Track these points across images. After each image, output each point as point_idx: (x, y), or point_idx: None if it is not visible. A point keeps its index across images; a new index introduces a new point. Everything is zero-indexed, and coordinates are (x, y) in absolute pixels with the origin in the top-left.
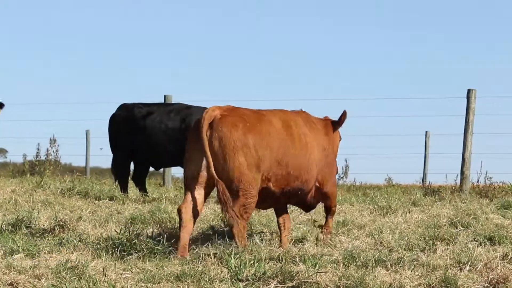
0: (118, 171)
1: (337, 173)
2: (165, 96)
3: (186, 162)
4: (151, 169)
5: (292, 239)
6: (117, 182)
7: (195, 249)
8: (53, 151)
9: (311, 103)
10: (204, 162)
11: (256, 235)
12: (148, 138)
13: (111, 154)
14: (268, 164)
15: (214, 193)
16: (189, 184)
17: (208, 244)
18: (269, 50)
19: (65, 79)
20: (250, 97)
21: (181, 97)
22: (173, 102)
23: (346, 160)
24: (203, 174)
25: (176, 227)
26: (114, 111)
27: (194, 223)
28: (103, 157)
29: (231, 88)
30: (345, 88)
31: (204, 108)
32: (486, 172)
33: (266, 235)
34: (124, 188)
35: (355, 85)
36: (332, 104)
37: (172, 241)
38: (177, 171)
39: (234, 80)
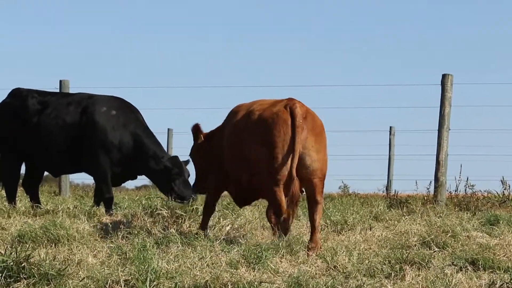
0: (5, 175)
1: None
2: (61, 81)
3: (277, 159)
4: (46, 173)
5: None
6: (2, 189)
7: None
8: None
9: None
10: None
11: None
12: (41, 136)
13: None
14: None
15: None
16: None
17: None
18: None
19: None
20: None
21: (79, 83)
22: (69, 87)
23: None
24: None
25: (75, 247)
26: (3, 98)
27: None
28: None
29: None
30: (287, 71)
31: (111, 97)
32: (467, 178)
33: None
34: (11, 197)
35: (297, 68)
36: (270, 91)
37: (67, 265)
38: (76, 177)
39: (142, 64)
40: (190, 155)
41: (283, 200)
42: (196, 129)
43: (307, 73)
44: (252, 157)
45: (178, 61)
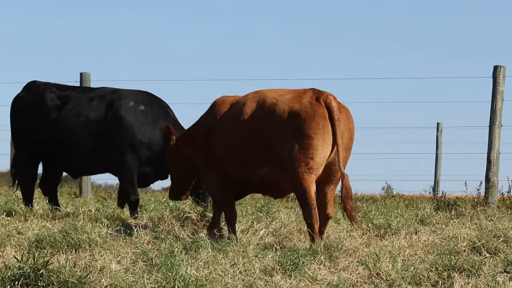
0: (21, 175)
1: None
2: (81, 74)
3: (315, 153)
4: (65, 173)
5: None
6: (15, 188)
7: None
8: None
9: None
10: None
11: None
12: (61, 134)
13: (7, 153)
14: None
15: None
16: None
17: None
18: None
19: None
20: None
21: (101, 76)
22: (91, 80)
23: None
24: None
25: (98, 252)
26: (19, 92)
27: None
28: None
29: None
30: (325, 63)
31: (138, 92)
32: None
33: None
34: (27, 199)
35: (336, 60)
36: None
37: (89, 272)
38: (98, 177)
39: (165, 56)
40: (165, 160)
41: (314, 197)
42: (167, 131)
43: (348, 65)
44: (282, 151)
45: (205, 53)
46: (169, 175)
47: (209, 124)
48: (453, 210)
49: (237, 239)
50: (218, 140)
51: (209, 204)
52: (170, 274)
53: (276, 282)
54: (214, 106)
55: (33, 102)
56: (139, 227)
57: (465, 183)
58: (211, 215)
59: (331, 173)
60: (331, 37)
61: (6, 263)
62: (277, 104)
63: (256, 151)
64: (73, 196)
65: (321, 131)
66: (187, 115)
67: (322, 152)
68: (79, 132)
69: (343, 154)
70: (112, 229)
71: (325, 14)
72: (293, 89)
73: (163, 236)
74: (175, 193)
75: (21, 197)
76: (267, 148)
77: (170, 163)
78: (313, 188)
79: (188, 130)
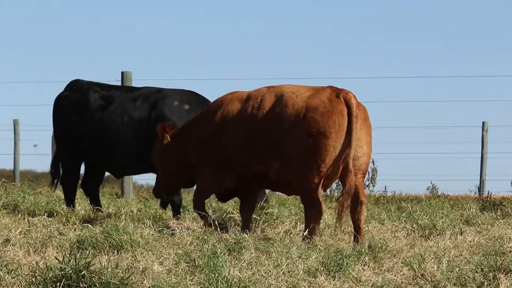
0: (63, 175)
1: None
2: (122, 73)
3: (328, 150)
4: (107, 173)
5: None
6: (54, 187)
7: None
8: None
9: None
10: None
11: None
12: (105, 134)
13: (49, 153)
14: None
15: None
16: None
17: None
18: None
19: None
20: (225, 74)
21: (143, 75)
22: (132, 79)
23: (373, 162)
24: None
25: (140, 253)
26: (61, 91)
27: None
28: (38, 157)
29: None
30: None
31: (183, 91)
32: None
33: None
34: (69, 199)
35: (374, 58)
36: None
37: (131, 273)
38: (140, 178)
39: (206, 53)
40: (153, 156)
41: (320, 194)
42: (162, 129)
43: (393, 63)
44: (294, 147)
45: (247, 52)
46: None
47: (216, 122)
48: (499, 210)
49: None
50: (230, 138)
51: (267, 203)
52: (213, 275)
53: (319, 283)
54: (221, 104)
55: (76, 101)
56: (181, 228)
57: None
58: (254, 215)
59: (357, 164)
60: (371, 38)
61: (47, 264)
62: (296, 100)
63: (274, 147)
64: (115, 196)
65: (336, 129)
66: None
67: (333, 153)
68: (122, 132)
69: (365, 149)
70: (155, 230)
71: (364, 11)
72: (312, 86)
73: (205, 237)
74: (160, 191)
75: (63, 197)
76: (283, 143)
77: (159, 160)
78: (319, 190)
79: (184, 129)
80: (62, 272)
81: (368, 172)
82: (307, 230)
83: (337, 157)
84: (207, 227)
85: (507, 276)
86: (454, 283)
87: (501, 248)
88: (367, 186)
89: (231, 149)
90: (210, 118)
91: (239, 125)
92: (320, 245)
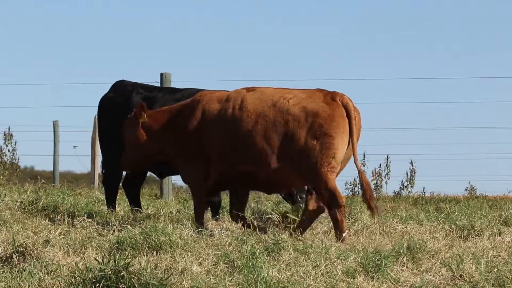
0: (107, 175)
1: None
2: (162, 74)
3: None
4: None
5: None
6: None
7: None
8: (8, 150)
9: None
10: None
11: None
12: None
13: (88, 154)
14: None
15: None
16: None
17: None
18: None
19: (20, 53)
20: (265, 76)
21: (182, 76)
22: (171, 81)
23: (411, 163)
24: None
25: (179, 254)
26: (106, 92)
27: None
28: (77, 158)
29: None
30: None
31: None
32: None
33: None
34: (111, 200)
35: (418, 58)
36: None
37: (170, 274)
38: (179, 178)
39: (243, 54)
40: (123, 129)
41: (338, 189)
42: (141, 108)
43: (430, 64)
44: (298, 150)
45: (285, 54)
46: None
47: (196, 121)
48: None
49: (204, 229)
50: (212, 139)
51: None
52: (251, 276)
53: (358, 284)
54: (199, 102)
55: (119, 102)
56: (220, 228)
57: None
58: (293, 216)
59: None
60: (404, 39)
61: (87, 265)
62: (290, 103)
63: (263, 149)
64: (154, 197)
65: (341, 130)
66: None
67: (342, 151)
68: None
69: (356, 151)
70: (193, 230)
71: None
72: (301, 89)
73: (244, 238)
74: (125, 164)
75: (103, 198)
76: (277, 145)
77: (127, 135)
78: (336, 186)
79: (164, 113)
80: (102, 273)
81: (407, 173)
82: (337, 228)
83: (342, 157)
84: (245, 228)
85: None
86: (492, 284)
87: None
88: (406, 187)
89: (213, 149)
90: (188, 117)
91: (220, 127)
92: (359, 246)
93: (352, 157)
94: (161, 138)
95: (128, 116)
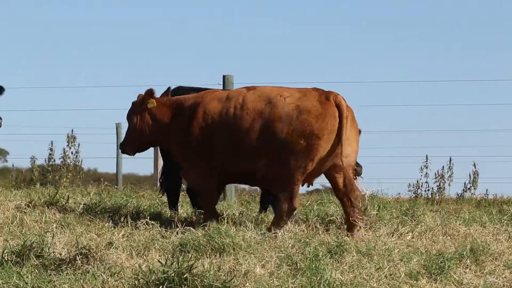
0: (168, 179)
1: None
2: (224, 76)
3: (318, 151)
4: None
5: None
6: (162, 194)
7: None
8: (71, 153)
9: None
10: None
11: None
12: None
13: (155, 155)
14: None
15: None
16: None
17: None
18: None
19: (84, 56)
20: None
21: (244, 78)
22: (234, 83)
23: (474, 165)
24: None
25: (242, 256)
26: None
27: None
28: (140, 160)
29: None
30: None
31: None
32: None
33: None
34: (173, 203)
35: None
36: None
37: (233, 276)
38: None
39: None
40: (128, 113)
41: (298, 191)
42: (150, 93)
43: (466, 66)
44: (283, 146)
45: (345, 55)
46: None
47: (199, 120)
48: None
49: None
50: (213, 137)
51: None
52: (315, 278)
53: (421, 286)
54: (201, 101)
55: None
56: (283, 230)
57: None
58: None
59: (347, 161)
60: (435, 39)
61: (150, 267)
62: (285, 102)
63: (262, 146)
64: None
65: (328, 130)
66: None
67: (323, 153)
68: None
69: (354, 146)
70: (257, 232)
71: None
72: (297, 88)
73: (307, 240)
74: (126, 147)
75: (166, 201)
76: (273, 143)
77: (131, 118)
78: (297, 189)
79: (175, 103)
80: (165, 275)
81: (470, 175)
82: (275, 222)
83: (325, 157)
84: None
85: None
86: None
87: None
88: (469, 189)
89: (215, 148)
90: (191, 116)
91: (221, 125)
92: (422, 248)
93: (352, 154)
94: (164, 128)
95: (135, 100)
